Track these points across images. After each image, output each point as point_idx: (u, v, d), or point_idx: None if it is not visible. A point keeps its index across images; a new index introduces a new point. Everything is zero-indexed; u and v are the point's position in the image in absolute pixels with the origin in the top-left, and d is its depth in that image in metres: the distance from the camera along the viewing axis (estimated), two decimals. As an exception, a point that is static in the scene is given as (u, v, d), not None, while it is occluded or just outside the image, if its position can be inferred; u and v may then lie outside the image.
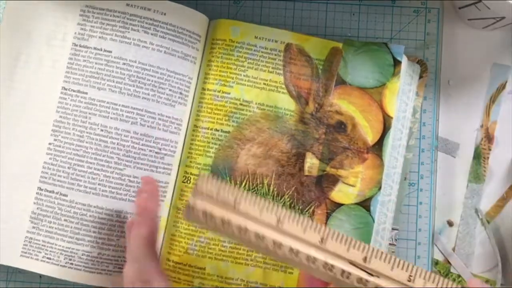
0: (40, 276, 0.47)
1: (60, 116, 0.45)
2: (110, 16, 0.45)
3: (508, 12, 0.45)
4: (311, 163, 0.46)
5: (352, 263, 0.36)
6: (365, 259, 0.36)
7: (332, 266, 0.36)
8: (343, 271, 0.36)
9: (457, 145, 0.50)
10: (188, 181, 0.47)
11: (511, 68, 0.50)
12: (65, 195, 0.45)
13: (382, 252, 0.36)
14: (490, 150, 0.50)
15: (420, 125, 0.50)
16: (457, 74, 0.51)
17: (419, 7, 0.50)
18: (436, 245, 0.49)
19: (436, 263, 0.49)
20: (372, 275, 0.37)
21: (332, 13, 0.50)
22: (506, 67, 0.50)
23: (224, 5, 0.50)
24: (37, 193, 0.45)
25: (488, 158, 0.50)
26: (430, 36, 0.50)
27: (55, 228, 0.45)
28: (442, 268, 0.49)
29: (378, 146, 0.46)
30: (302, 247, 0.36)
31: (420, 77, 0.49)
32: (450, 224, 0.50)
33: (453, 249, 0.49)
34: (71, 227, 0.44)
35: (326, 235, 0.36)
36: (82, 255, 0.45)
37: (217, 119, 0.47)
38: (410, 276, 0.36)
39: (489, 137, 0.50)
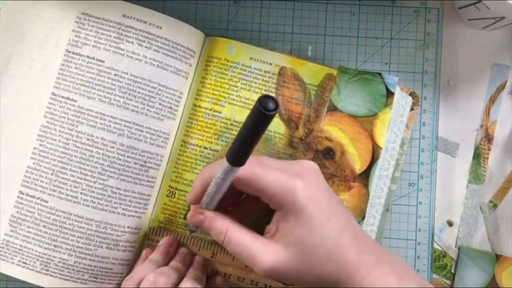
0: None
1: (48, 122, 0.45)
2: (106, 25, 0.45)
3: (508, 12, 0.45)
4: (296, 188, 0.46)
5: None
6: None
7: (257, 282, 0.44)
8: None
9: (457, 145, 0.50)
10: (173, 196, 0.47)
11: (511, 68, 0.50)
12: (46, 201, 0.44)
13: None
14: (490, 150, 0.50)
15: (420, 125, 0.50)
16: (457, 74, 0.50)
17: (419, 7, 0.50)
18: (436, 242, 0.49)
19: (444, 255, 0.49)
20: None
21: (332, 13, 0.50)
22: (506, 67, 0.50)
23: (224, 5, 0.50)
24: (18, 196, 0.44)
25: (488, 158, 0.50)
26: (430, 36, 0.50)
27: (33, 234, 0.44)
28: (450, 261, 0.49)
29: (365, 175, 0.46)
30: (234, 271, 0.45)
31: (411, 109, 0.49)
32: (450, 224, 0.49)
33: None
34: (50, 234, 0.44)
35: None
36: (58, 263, 0.44)
37: (207, 137, 0.47)
38: None
39: (489, 137, 0.50)
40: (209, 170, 0.40)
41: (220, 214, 0.41)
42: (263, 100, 0.30)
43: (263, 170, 0.38)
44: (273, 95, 0.47)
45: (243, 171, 0.37)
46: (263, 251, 0.38)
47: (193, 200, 0.41)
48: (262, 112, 0.30)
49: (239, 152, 0.34)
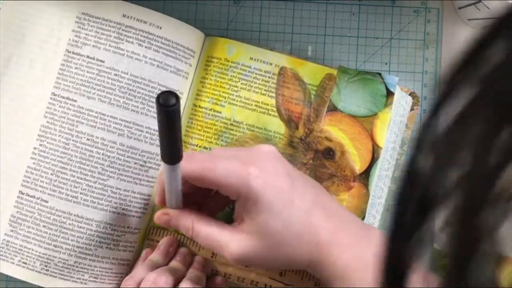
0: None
1: (48, 122, 0.45)
2: (106, 25, 0.45)
3: None
4: (296, 188, 0.46)
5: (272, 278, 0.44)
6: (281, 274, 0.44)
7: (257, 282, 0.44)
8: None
9: None
10: (172, 195, 0.47)
11: None
12: (46, 201, 0.44)
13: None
14: None
15: (420, 125, 0.49)
16: None
17: (419, 7, 0.50)
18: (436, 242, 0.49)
19: (444, 255, 0.49)
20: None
21: (332, 13, 0.50)
22: None
23: (224, 5, 0.50)
24: (18, 196, 0.44)
25: None
26: (430, 36, 0.50)
27: (33, 233, 0.44)
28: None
29: (365, 175, 0.46)
30: (234, 271, 0.45)
31: (411, 109, 0.49)
32: None
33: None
34: (50, 234, 0.44)
35: None
36: (58, 263, 0.44)
37: (207, 137, 0.47)
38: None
39: None
40: (162, 170, 0.40)
41: (185, 211, 0.41)
42: (162, 96, 0.30)
43: (213, 164, 0.38)
44: (273, 95, 0.47)
45: (194, 167, 0.38)
46: (230, 240, 0.39)
47: (159, 202, 0.42)
48: (163, 109, 0.31)
49: (166, 150, 0.34)
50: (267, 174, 0.38)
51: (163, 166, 0.36)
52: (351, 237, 0.39)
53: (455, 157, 0.19)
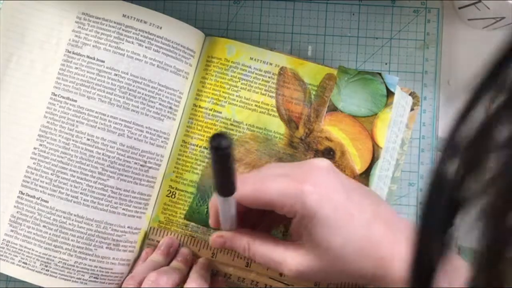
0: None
1: (48, 122, 0.45)
2: (106, 25, 0.45)
3: (508, 12, 0.45)
4: (297, 188, 0.46)
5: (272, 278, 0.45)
6: (282, 274, 0.44)
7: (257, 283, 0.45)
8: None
9: None
10: (173, 196, 0.47)
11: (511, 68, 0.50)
12: (46, 201, 0.44)
13: None
14: None
15: (420, 125, 0.49)
16: (457, 74, 0.50)
17: (419, 7, 0.50)
18: None
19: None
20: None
21: (332, 13, 0.50)
22: None
23: (224, 5, 0.50)
24: (18, 196, 0.44)
25: None
26: (430, 36, 0.50)
27: (34, 234, 0.44)
28: None
29: (365, 175, 0.46)
30: (234, 271, 0.46)
31: (411, 109, 0.49)
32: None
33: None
34: (50, 234, 0.44)
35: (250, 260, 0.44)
36: (59, 263, 0.44)
37: (207, 137, 0.47)
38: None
39: None
40: (215, 197, 0.40)
41: (240, 232, 0.41)
42: (215, 139, 0.30)
43: (265, 185, 0.38)
44: (273, 95, 0.47)
45: (246, 191, 0.37)
46: (287, 257, 0.38)
47: (213, 224, 0.42)
48: (217, 153, 0.30)
49: (220, 185, 0.34)
50: (321, 189, 0.37)
51: (216, 195, 0.36)
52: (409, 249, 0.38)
53: (483, 162, 0.20)
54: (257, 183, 0.38)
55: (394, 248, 0.37)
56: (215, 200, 0.40)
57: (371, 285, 0.38)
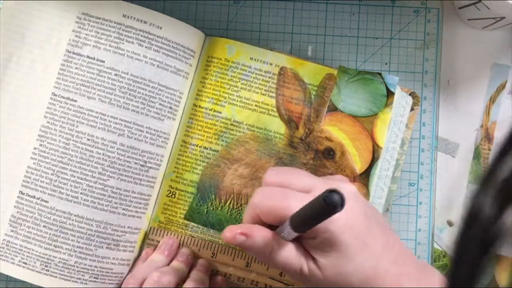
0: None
1: (48, 122, 0.45)
2: (106, 25, 0.45)
3: (508, 12, 0.45)
4: (297, 188, 0.46)
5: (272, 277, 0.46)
6: (282, 274, 0.46)
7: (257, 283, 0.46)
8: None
9: (457, 145, 0.50)
10: (173, 196, 0.47)
11: (511, 68, 0.50)
12: (46, 201, 0.44)
13: None
14: (490, 150, 0.50)
15: (420, 125, 0.49)
16: (457, 74, 0.50)
17: (419, 7, 0.50)
18: (436, 242, 0.49)
19: (444, 255, 0.49)
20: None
21: (332, 13, 0.50)
22: (506, 67, 0.50)
23: (224, 5, 0.50)
24: (18, 197, 0.44)
25: (488, 158, 0.50)
26: (430, 36, 0.50)
27: (34, 234, 0.44)
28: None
29: (365, 175, 0.46)
30: (234, 271, 0.46)
31: (411, 109, 0.49)
32: (450, 224, 0.49)
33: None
34: (50, 234, 0.44)
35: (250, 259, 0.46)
36: (59, 263, 0.44)
37: (207, 137, 0.47)
38: None
39: (489, 137, 0.50)
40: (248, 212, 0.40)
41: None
42: (330, 196, 0.30)
43: (287, 202, 0.37)
44: (273, 95, 0.47)
45: (268, 205, 0.37)
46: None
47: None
48: (329, 211, 0.31)
49: (303, 224, 0.35)
50: (345, 216, 0.37)
51: (286, 226, 0.36)
52: (413, 282, 0.38)
53: None
54: (280, 199, 0.37)
55: (397, 280, 0.38)
56: (256, 216, 0.39)
57: None
